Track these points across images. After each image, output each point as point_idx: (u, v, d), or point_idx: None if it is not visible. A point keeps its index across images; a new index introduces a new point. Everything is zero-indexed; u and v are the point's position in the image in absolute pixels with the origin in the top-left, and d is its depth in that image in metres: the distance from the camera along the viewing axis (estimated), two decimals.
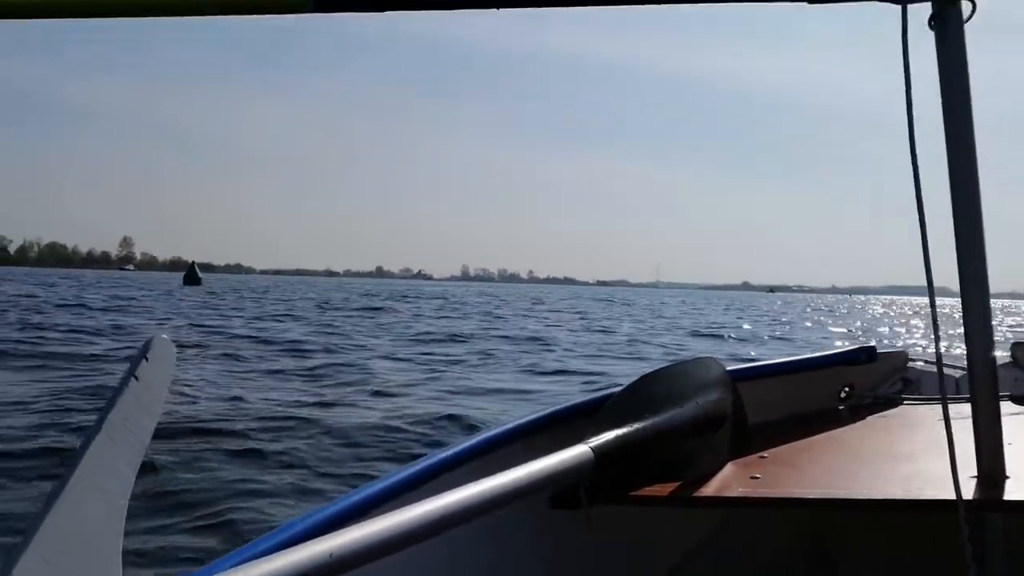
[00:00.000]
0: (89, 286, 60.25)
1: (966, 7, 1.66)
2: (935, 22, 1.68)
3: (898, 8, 1.70)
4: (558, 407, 2.25)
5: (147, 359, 0.87)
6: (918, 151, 1.66)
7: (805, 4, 1.80)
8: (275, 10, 1.98)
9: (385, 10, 2.02)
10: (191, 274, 78.05)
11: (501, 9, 2.05)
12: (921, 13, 1.76)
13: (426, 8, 2.00)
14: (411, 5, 2.01)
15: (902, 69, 1.61)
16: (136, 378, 0.85)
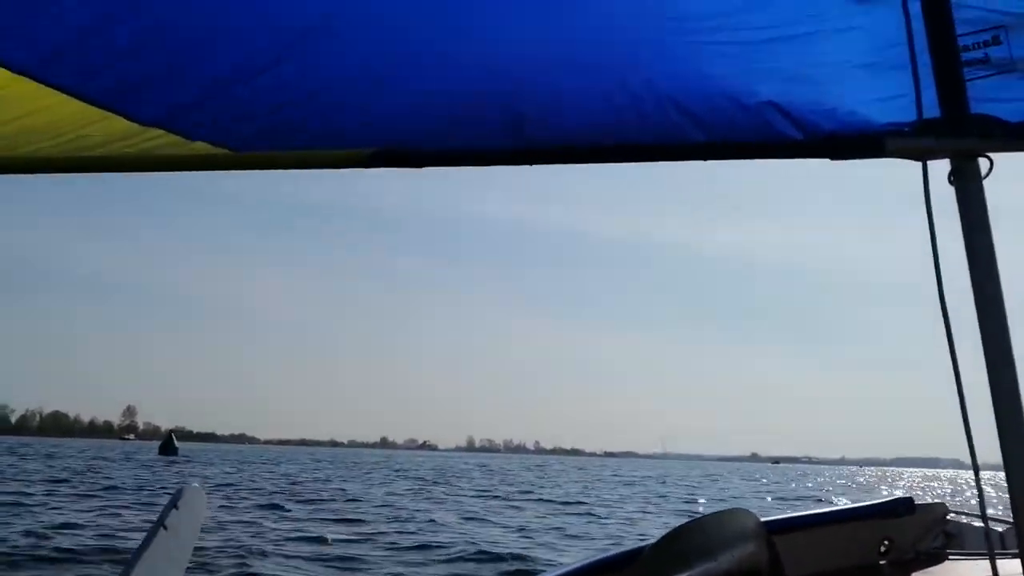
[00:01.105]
0: (60, 457, 58.62)
1: (984, 163, 1.79)
2: (954, 178, 1.80)
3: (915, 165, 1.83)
4: (589, 561, 2.19)
5: (177, 508, 0.87)
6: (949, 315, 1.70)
7: (828, 160, 1.94)
8: (337, 165, 2.12)
9: (428, 166, 2.16)
10: (167, 444, 76.24)
11: (533, 165, 2.19)
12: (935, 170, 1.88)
13: (472, 164, 2.14)
14: (456, 162, 2.16)
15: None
16: (165, 527, 0.84)
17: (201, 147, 2.13)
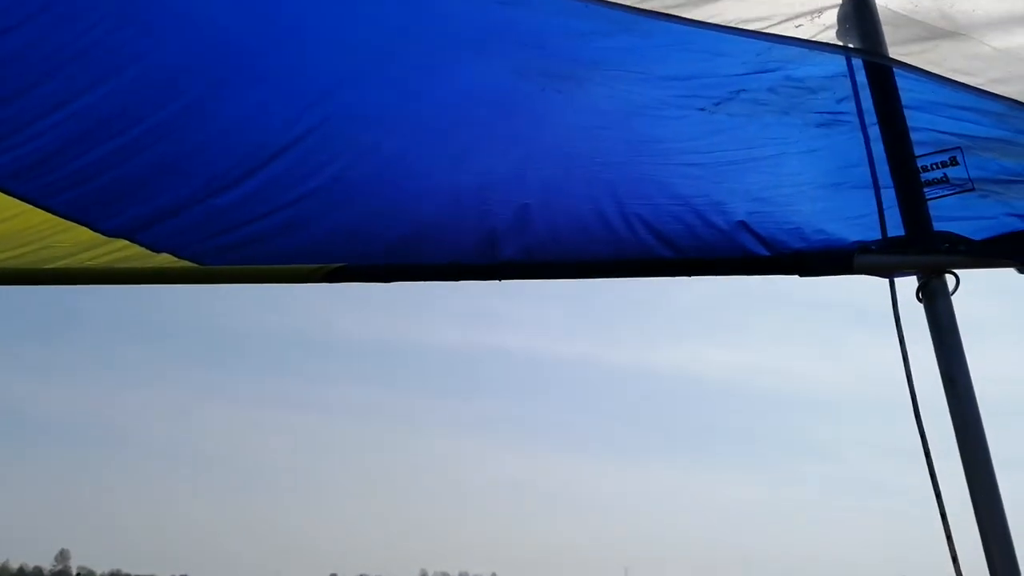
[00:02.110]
0: None
1: (951, 280, 1.79)
2: (922, 294, 1.80)
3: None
4: None
5: None
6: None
7: (797, 277, 1.94)
8: (300, 279, 2.09)
9: (395, 281, 2.14)
10: None
11: (501, 281, 2.17)
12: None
13: (441, 279, 2.12)
14: (424, 277, 2.14)
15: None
16: None
17: (166, 259, 2.11)
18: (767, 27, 1.95)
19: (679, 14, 2.02)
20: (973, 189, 1.89)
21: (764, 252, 2.01)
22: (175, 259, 2.13)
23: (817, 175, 2.01)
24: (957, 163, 1.89)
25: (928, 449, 1.75)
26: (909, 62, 1.87)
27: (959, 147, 1.89)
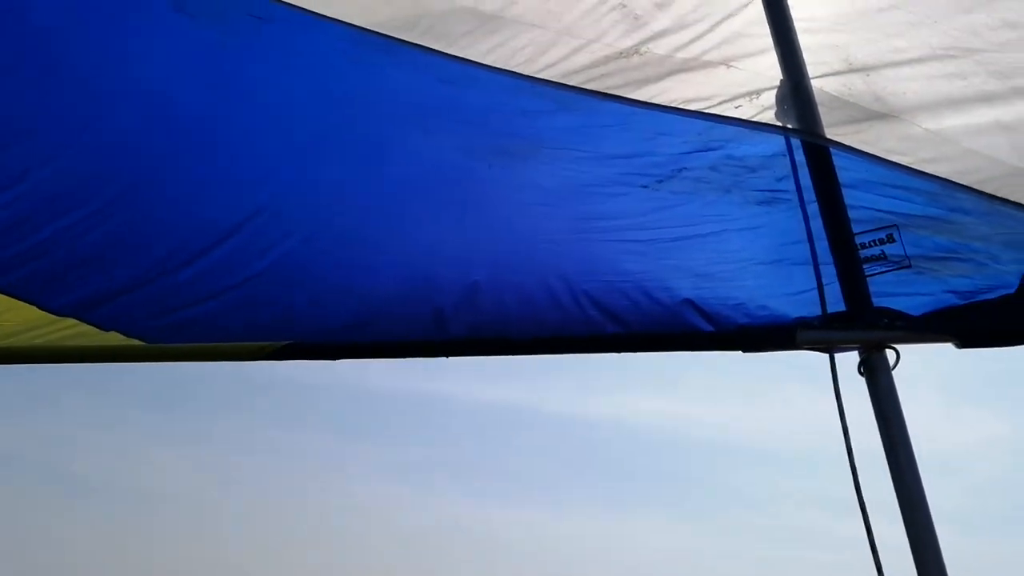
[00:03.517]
0: None
1: (891, 354, 1.81)
2: (863, 369, 1.82)
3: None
4: None
5: None
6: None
7: (740, 353, 1.96)
8: (248, 357, 2.09)
9: (343, 358, 2.14)
10: None
11: (450, 357, 2.18)
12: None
13: (389, 356, 2.13)
14: (372, 354, 2.14)
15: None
16: None
17: (114, 338, 2.10)
18: (707, 107, 2.01)
19: (622, 94, 2.07)
20: (910, 266, 1.93)
21: (709, 328, 2.02)
22: (124, 337, 2.13)
23: (759, 252, 2.04)
24: (894, 240, 1.93)
25: (867, 520, 1.75)
26: (844, 142, 1.92)
27: (895, 224, 1.93)
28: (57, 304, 2.09)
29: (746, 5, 1.99)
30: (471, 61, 2.15)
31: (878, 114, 1.92)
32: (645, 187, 2.08)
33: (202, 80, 2.26)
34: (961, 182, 1.88)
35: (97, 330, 2.12)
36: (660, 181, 2.07)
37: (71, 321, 2.11)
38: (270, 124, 2.19)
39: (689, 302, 2.04)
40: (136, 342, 2.13)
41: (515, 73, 2.13)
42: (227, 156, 2.16)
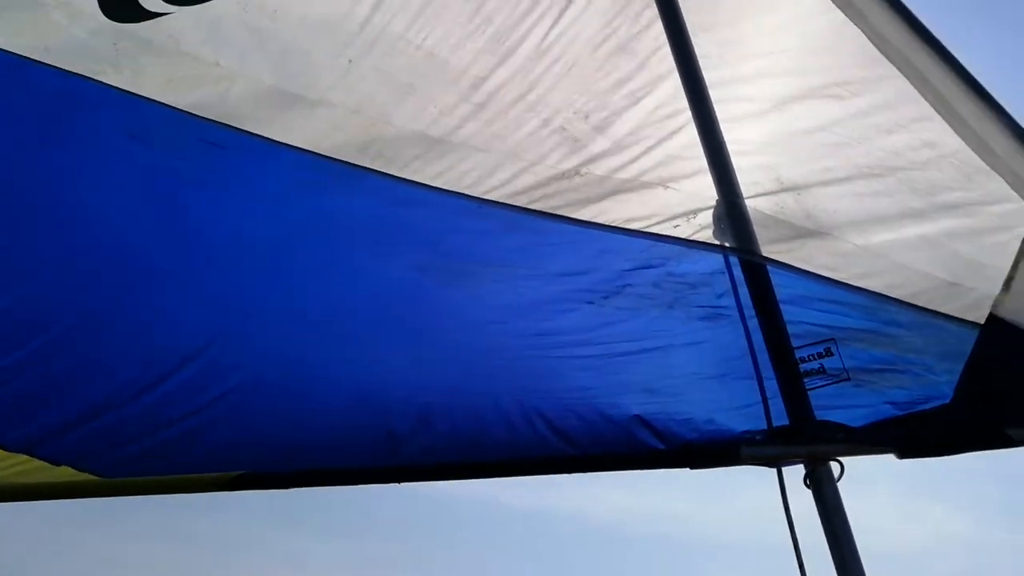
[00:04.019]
0: None
1: (835, 467, 1.85)
2: (809, 481, 1.86)
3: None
4: None
5: None
6: None
7: (688, 469, 1.99)
8: (200, 489, 2.09)
9: (296, 487, 2.15)
10: None
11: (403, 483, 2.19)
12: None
13: (343, 484, 2.13)
14: (326, 482, 2.15)
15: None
16: None
17: (66, 472, 2.09)
18: (647, 226, 2.07)
19: (565, 214, 2.14)
20: (849, 379, 1.98)
21: (659, 445, 2.05)
22: (75, 472, 2.12)
23: (703, 367, 2.09)
24: (832, 354, 1.98)
25: None
26: (780, 259, 1.98)
27: (833, 338, 1.99)
28: (7, 440, 2.09)
29: (680, 129, 2.08)
30: (421, 184, 2.22)
31: (810, 231, 1.99)
32: (591, 303, 2.13)
33: (155, 208, 2.30)
34: (893, 296, 1.95)
35: (48, 465, 2.11)
36: (606, 297, 2.12)
37: (22, 457, 2.10)
38: (222, 252, 2.23)
39: (639, 419, 2.07)
40: (88, 476, 2.12)
41: (463, 195, 2.20)
42: (179, 286, 2.19)
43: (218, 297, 2.19)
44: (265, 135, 2.32)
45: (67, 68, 2.47)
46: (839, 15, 2.06)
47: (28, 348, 2.09)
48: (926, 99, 1.98)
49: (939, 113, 1.97)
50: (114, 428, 2.09)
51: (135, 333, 2.10)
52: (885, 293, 1.94)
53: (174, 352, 2.09)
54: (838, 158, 2.02)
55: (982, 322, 1.89)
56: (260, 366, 2.11)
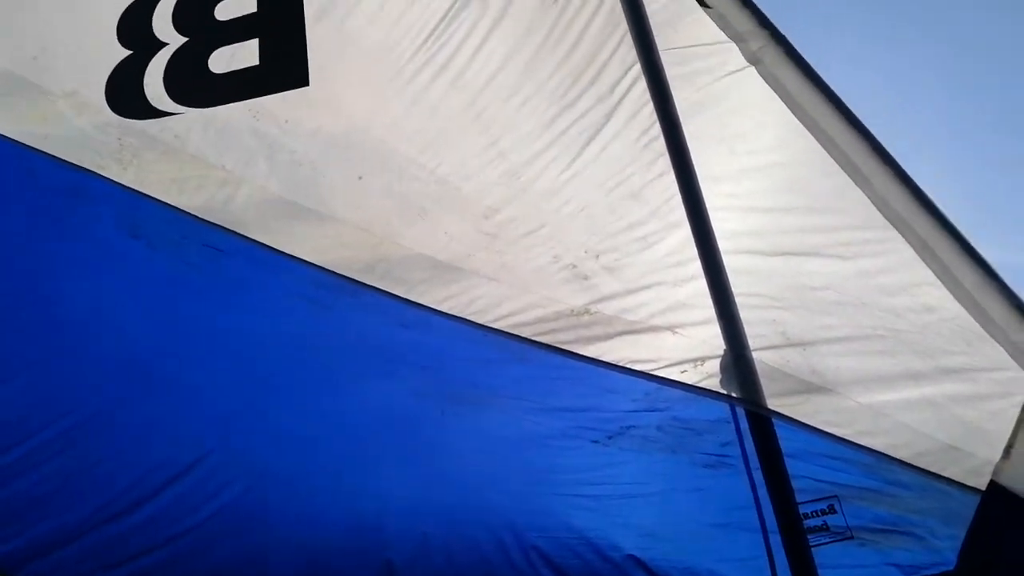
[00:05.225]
0: None
1: None
2: None
3: None
4: None
5: None
6: None
7: None
8: None
9: None
10: None
11: None
12: None
13: None
14: None
15: None
16: None
17: None
18: (654, 369, 2.08)
19: (572, 349, 2.14)
20: (852, 537, 1.97)
21: None
22: None
23: (705, 514, 2.07)
24: (835, 511, 1.98)
25: None
26: (785, 413, 2.00)
27: (836, 495, 1.99)
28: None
29: (691, 277, 2.11)
30: (428, 307, 2.20)
31: (815, 387, 2.02)
32: (596, 442, 2.11)
33: (156, 313, 2.24)
34: (896, 456, 1.97)
35: None
36: (610, 437, 2.11)
37: None
38: (223, 363, 2.17)
39: (637, 560, 2.03)
40: None
41: (471, 321, 2.19)
42: (177, 395, 2.12)
43: (215, 409, 2.12)
44: (270, 244, 2.29)
45: (70, 160, 2.44)
46: (844, 178, 2.16)
47: (17, 453, 1.98)
48: (927, 264, 2.06)
49: (940, 279, 2.05)
50: (99, 549, 1.97)
51: (129, 444, 2.02)
52: (888, 452, 1.96)
53: (166, 467, 2.01)
54: (842, 316, 2.07)
55: (983, 488, 1.92)
56: (251, 485, 2.02)
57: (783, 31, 2.29)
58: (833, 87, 2.20)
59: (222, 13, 2.55)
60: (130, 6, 2.60)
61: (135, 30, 2.50)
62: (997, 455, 1.95)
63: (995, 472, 1.93)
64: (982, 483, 1.93)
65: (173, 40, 2.52)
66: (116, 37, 2.54)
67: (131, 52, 2.51)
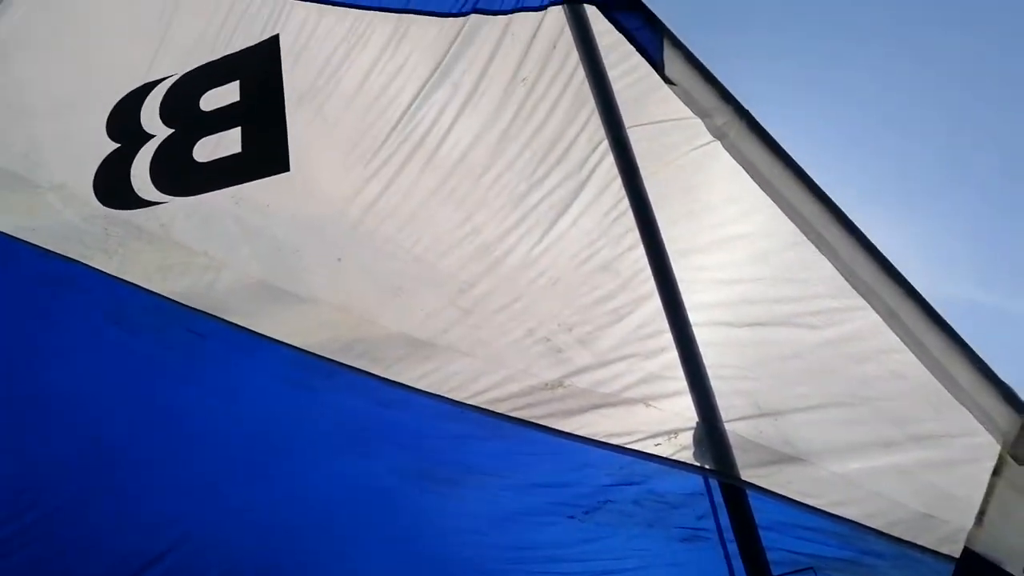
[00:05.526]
0: None
1: None
2: None
3: None
4: None
5: None
6: None
7: None
8: None
9: None
10: None
11: None
12: None
13: None
14: None
15: None
16: None
17: None
18: (629, 442, 2.10)
19: (547, 424, 2.16)
20: None
21: None
22: None
23: None
24: None
25: None
26: (759, 484, 2.01)
27: (811, 567, 1.99)
28: None
29: (662, 349, 2.14)
30: (405, 385, 2.24)
31: (788, 457, 2.04)
32: (572, 518, 2.12)
33: (134, 398, 2.28)
34: (869, 525, 1.97)
35: None
36: (587, 512, 2.12)
37: None
38: (200, 447, 2.20)
39: None
40: None
41: (447, 398, 2.22)
42: (153, 480, 2.14)
43: (190, 496, 2.14)
44: (251, 328, 2.34)
45: (57, 251, 2.51)
46: (811, 247, 2.19)
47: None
48: (894, 331, 2.08)
49: (907, 346, 2.07)
50: None
51: (104, 530, 2.03)
52: (862, 522, 1.96)
53: (140, 555, 2.01)
54: (813, 385, 2.09)
55: (957, 556, 1.91)
56: (231, 571, 2.03)
57: (745, 104, 2.35)
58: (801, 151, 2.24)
59: (207, 104, 2.63)
60: (121, 100, 2.69)
61: (124, 124, 2.59)
62: (970, 522, 1.94)
63: (968, 539, 1.93)
64: (956, 550, 1.92)
65: (160, 132, 2.61)
66: (105, 131, 2.63)
67: (119, 145, 2.60)
